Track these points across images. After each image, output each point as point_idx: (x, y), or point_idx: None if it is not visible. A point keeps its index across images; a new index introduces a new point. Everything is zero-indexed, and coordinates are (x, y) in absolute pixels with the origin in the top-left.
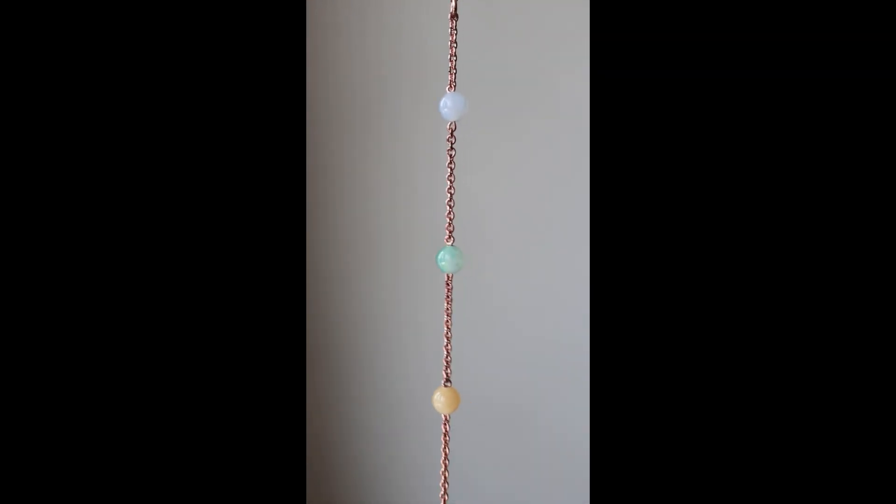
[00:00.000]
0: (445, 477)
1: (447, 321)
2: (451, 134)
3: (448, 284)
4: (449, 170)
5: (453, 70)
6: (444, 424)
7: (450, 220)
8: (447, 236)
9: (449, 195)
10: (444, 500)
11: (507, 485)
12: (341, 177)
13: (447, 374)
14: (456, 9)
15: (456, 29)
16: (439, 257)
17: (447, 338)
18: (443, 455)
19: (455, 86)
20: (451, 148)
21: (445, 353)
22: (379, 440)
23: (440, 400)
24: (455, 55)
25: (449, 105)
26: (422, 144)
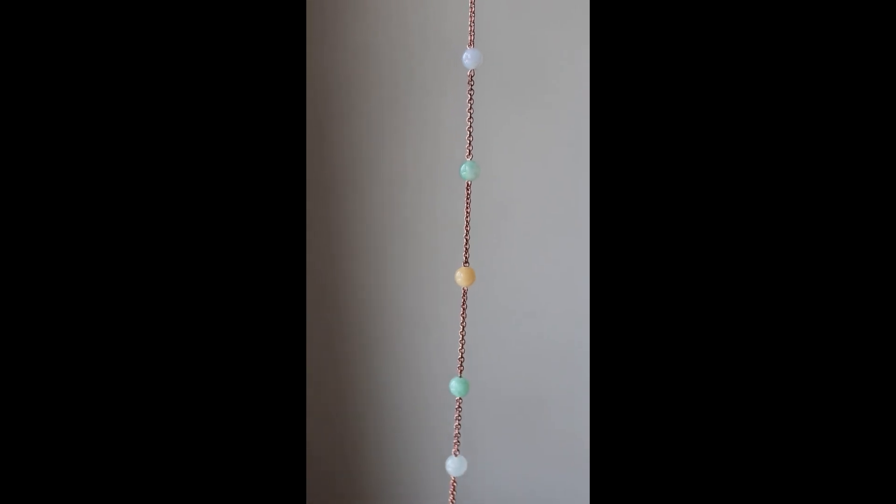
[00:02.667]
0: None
1: (467, 216)
2: (471, 79)
3: (468, 190)
4: (469, 103)
5: (472, 32)
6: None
7: (469, 150)
8: (467, 153)
9: (468, 132)
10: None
11: (513, 475)
12: (341, 171)
13: (466, 256)
14: None
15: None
16: (461, 168)
17: (467, 219)
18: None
19: (473, 44)
20: (471, 88)
21: (465, 239)
22: (380, 440)
23: (459, 276)
24: (473, 21)
25: (469, 57)
26: (430, 131)
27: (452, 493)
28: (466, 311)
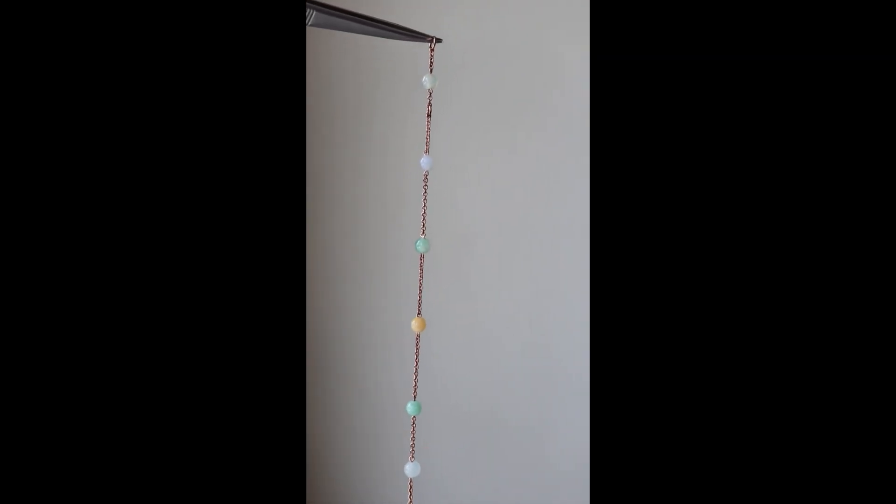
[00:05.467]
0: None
1: (420, 278)
2: (426, 178)
3: (421, 260)
4: (423, 199)
5: (428, 143)
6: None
7: (423, 230)
8: (422, 232)
9: (422, 216)
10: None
11: (505, 498)
12: (341, 178)
13: (419, 309)
14: (430, 107)
15: (429, 128)
16: (416, 243)
17: (420, 281)
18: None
19: (429, 151)
20: (426, 183)
21: (418, 296)
22: (380, 441)
23: (414, 324)
24: (429, 131)
25: (425, 161)
26: (415, 144)
27: (410, 493)
28: (419, 348)
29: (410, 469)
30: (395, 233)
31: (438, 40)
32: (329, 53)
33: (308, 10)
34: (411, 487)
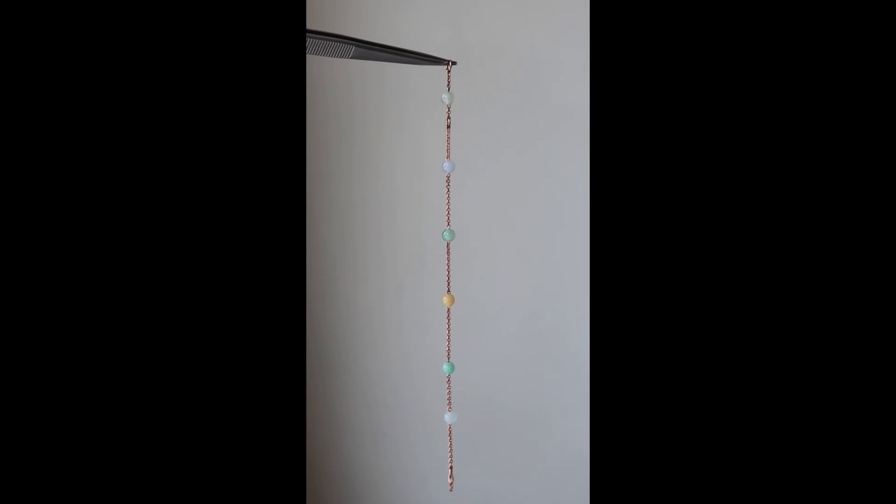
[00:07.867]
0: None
1: (447, 264)
2: (448, 180)
3: (448, 247)
4: (446, 199)
5: (448, 149)
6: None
7: (448, 220)
8: (447, 223)
9: (447, 206)
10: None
11: (507, 488)
12: (342, 176)
13: (448, 286)
14: (449, 118)
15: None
16: (443, 233)
17: (447, 266)
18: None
19: (450, 156)
20: (448, 187)
21: (447, 274)
22: (380, 443)
23: (444, 299)
24: (449, 138)
25: (447, 166)
26: (415, 146)
27: (450, 436)
28: (450, 319)
29: (449, 417)
30: (389, 233)
31: (454, 63)
32: (325, 66)
33: (348, 46)
34: (451, 432)
